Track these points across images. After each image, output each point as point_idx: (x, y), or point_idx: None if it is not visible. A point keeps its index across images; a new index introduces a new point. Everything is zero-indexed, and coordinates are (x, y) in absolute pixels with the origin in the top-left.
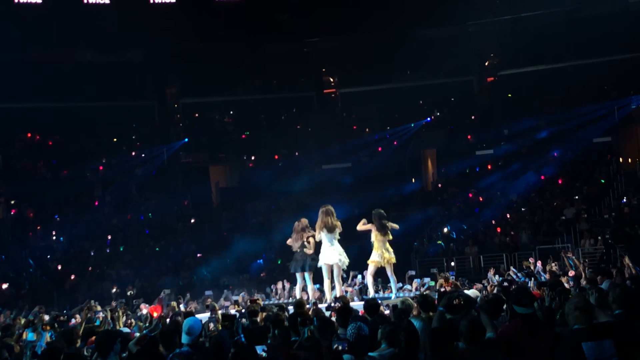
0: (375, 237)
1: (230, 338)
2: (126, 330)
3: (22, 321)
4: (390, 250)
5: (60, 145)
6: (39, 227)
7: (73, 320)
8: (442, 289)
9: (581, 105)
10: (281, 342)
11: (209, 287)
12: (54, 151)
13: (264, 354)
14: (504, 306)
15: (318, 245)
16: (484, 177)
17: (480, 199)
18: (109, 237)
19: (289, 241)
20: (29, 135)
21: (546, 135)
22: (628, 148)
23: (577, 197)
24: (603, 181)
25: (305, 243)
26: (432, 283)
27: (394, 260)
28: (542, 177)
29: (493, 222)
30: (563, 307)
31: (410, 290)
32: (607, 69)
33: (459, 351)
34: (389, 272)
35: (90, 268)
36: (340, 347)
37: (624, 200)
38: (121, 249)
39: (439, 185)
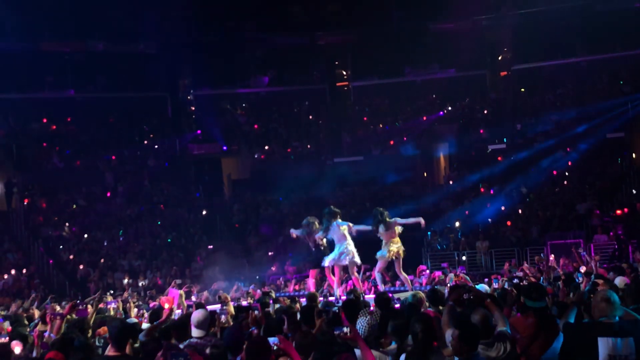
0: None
1: (245, 329)
2: (133, 320)
3: (36, 312)
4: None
5: (73, 135)
6: (55, 218)
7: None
8: (453, 283)
9: (595, 100)
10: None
11: (220, 278)
12: (66, 142)
13: (275, 347)
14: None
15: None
16: (496, 171)
17: (491, 191)
18: (121, 228)
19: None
20: (42, 125)
21: (559, 130)
22: None
23: (589, 193)
24: (615, 176)
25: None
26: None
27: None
28: (556, 172)
29: (504, 216)
30: (578, 302)
31: (421, 284)
32: (621, 64)
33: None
34: (397, 268)
35: (102, 259)
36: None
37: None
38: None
39: (450, 182)
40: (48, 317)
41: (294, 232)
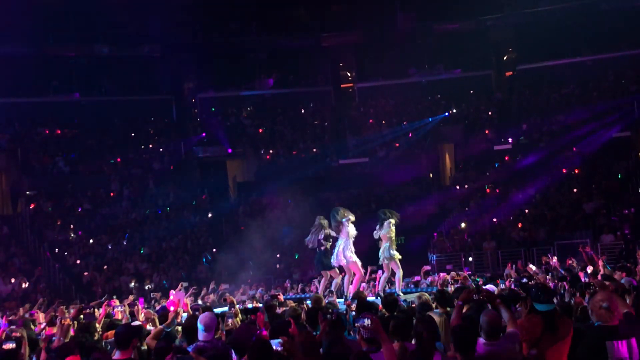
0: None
1: (253, 331)
2: (137, 323)
3: (41, 316)
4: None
5: (78, 139)
6: (59, 222)
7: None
8: (457, 285)
9: (600, 99)
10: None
11: (226, 281)
12: (72, 145)
13: (279, 348)
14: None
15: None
16: (501, 171)
17: (497, 191)
18: (127, 231)
19: None
20: (48, 129)
21: (565, 130)
22: None
23: (596, 192)
24: (620, 176)
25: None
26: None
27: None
28: (564, 171)
29: (511, 217)
30: (583, 302)
31: (429, 285)
32: (626, 63)
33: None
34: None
35: (107, 262)
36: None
37: None
38: (141, 249)
39: (457, 187)
40: (59, 320)
41: (309, 242)
